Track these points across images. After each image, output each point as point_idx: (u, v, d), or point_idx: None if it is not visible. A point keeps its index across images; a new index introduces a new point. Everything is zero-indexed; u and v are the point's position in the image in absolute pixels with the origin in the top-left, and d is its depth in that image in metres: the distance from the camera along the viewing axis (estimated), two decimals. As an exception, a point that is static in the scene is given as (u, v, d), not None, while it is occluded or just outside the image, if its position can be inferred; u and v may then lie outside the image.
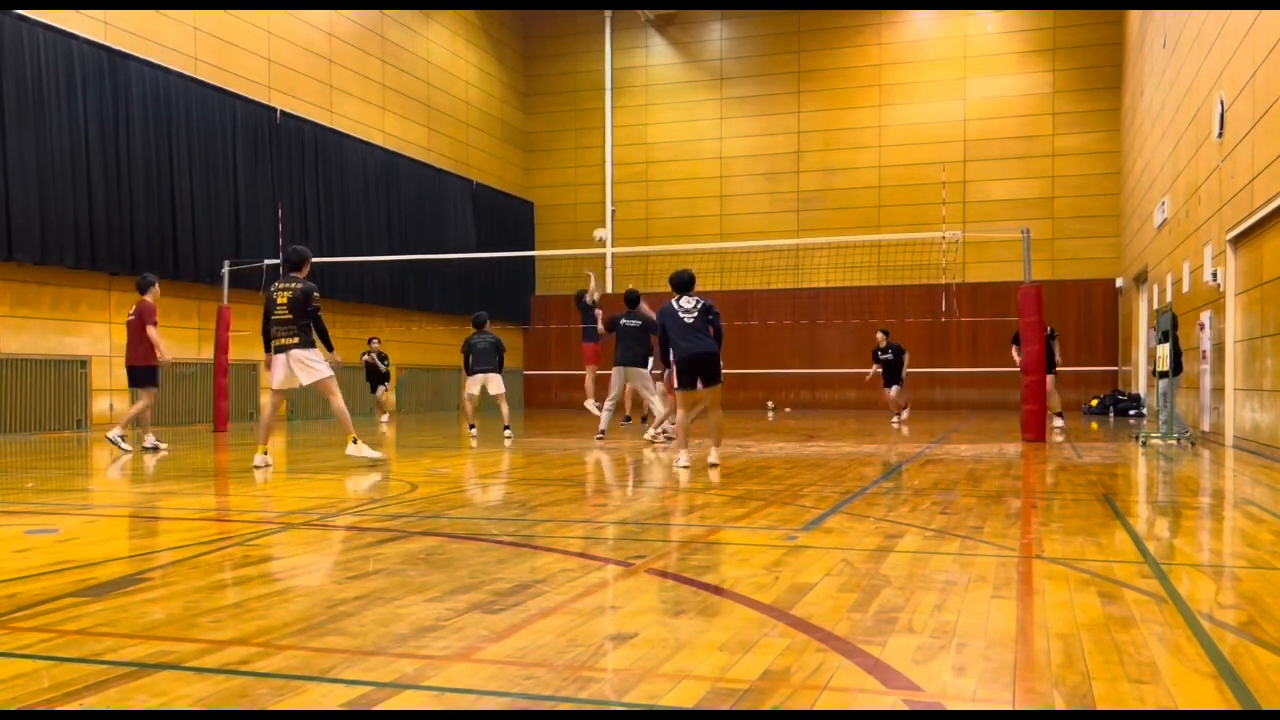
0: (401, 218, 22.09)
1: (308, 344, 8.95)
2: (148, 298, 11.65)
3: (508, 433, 13.06)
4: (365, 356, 18.76)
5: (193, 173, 16.75)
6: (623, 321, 12.78)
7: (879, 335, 18.03)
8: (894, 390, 17.71)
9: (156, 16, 16.37)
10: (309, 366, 8.95)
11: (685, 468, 8.53)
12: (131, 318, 11.58)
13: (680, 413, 9.04)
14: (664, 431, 12.39)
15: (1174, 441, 11.75)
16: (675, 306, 9.03)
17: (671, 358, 9.02)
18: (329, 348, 9.30)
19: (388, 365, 18.94)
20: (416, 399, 22.96)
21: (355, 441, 9.20)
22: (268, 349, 9.11)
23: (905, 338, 23.59)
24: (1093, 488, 7.31)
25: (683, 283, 9.22)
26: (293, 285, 8.98)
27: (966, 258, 21.84)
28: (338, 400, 9.22)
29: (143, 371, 11.55)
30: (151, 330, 11.40)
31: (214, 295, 16.93)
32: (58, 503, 6.84)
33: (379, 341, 19.08)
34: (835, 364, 24.21)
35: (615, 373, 12.57)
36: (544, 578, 3.98)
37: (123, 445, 11.15)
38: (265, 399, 9.94)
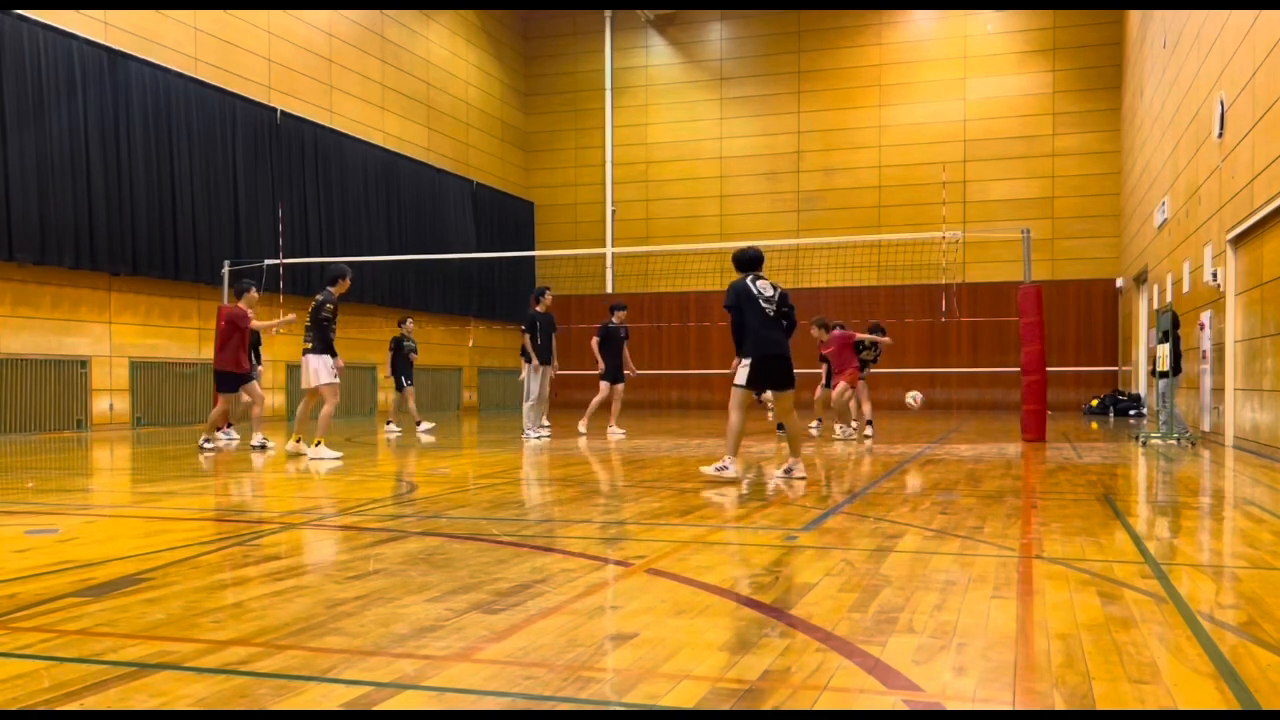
0: (401, 218, 22.09)
1: (318, 350, 10.06)
2: (241, 303, 11.51)
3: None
4: (405, 341, 15.86)
5: (193, 173, 16.75)
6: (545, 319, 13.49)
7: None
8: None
9: (156, 16, 16.37)
10: (314, 371, 10.07)
11: (738, 478, 7.64)
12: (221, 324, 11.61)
13: (736, 416, 7.67)
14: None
15: (1174, 441, 11.75)
16: (754, 289, 7.71)
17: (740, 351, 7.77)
18: (332, 354, 10.18)
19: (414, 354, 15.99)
20: (416, 399, 22.92)
21: (318, 444, 9.93)
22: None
23: (905, 337, 23.60)
24: (1093, 488, 7.31)
25: (756, 259, 7.97)
26: (317, 296, 10.24)
27: (966, 258, 21.85)
28: (329, 407, 10.11)
29: (224, 377, 11.48)
30: (254, 325, 11.48)
31: (214, 295, 16.93)
32: (58, 503, 6.83)
33: (411, 323, 16.31)
34: (835, 364, 24.17)
35: (545, 372, 13.38)
36: (544, 578, 3.98)
37: (269, 445, 11.32)
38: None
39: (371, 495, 7.11)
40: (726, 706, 2.42)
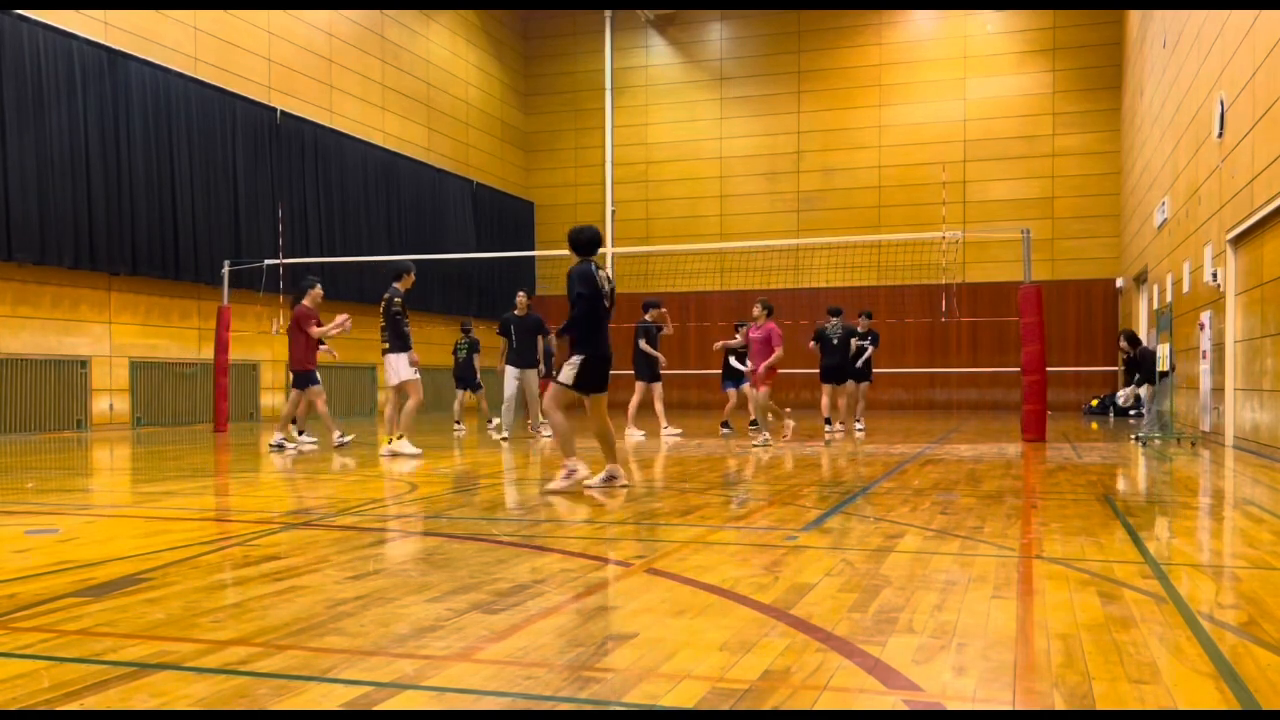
0: (401, 218, 22.08)
1: (396, 349, 10.32)
2: (305, 301, 11.54)
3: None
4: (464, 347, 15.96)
5: (193, 173, 16.75)
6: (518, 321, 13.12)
7: (861, 319, 15.21)
8: (865, 385, 14.95)
9: (156, 16, 16.37)
10: (395, 369, 10.31)
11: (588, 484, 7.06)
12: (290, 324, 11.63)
13: (559, 416, 7.10)
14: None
15: (1156, 440, 11.85)
16: (598, 278, 7.00)
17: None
18: (405, 348, 10.44)
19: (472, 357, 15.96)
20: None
21: (400, 439, 10.16)
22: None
23: (905, 337, 23.58)
24: (1093, 488, 7.31)
25: (596, 241, 7.16)
26: (385, 295, 10.51)
27: (966, 258, 21.84)
28: (412, 403, 10.35)
29: (297, 375, 11.49)
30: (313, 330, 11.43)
31: (214, 295, 16.93)
32: (58, 503, 6.83)
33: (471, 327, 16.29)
34: (835, 364, 24.15)
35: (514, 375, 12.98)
36: (544, 578, 3.98)
37: (288, 446, 11.19)
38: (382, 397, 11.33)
39: (371, 495, 7.11)
40: (726, 706, 2.42)
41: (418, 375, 10.43)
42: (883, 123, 24.90)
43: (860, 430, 14.53)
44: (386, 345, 10.50)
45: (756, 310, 12.13)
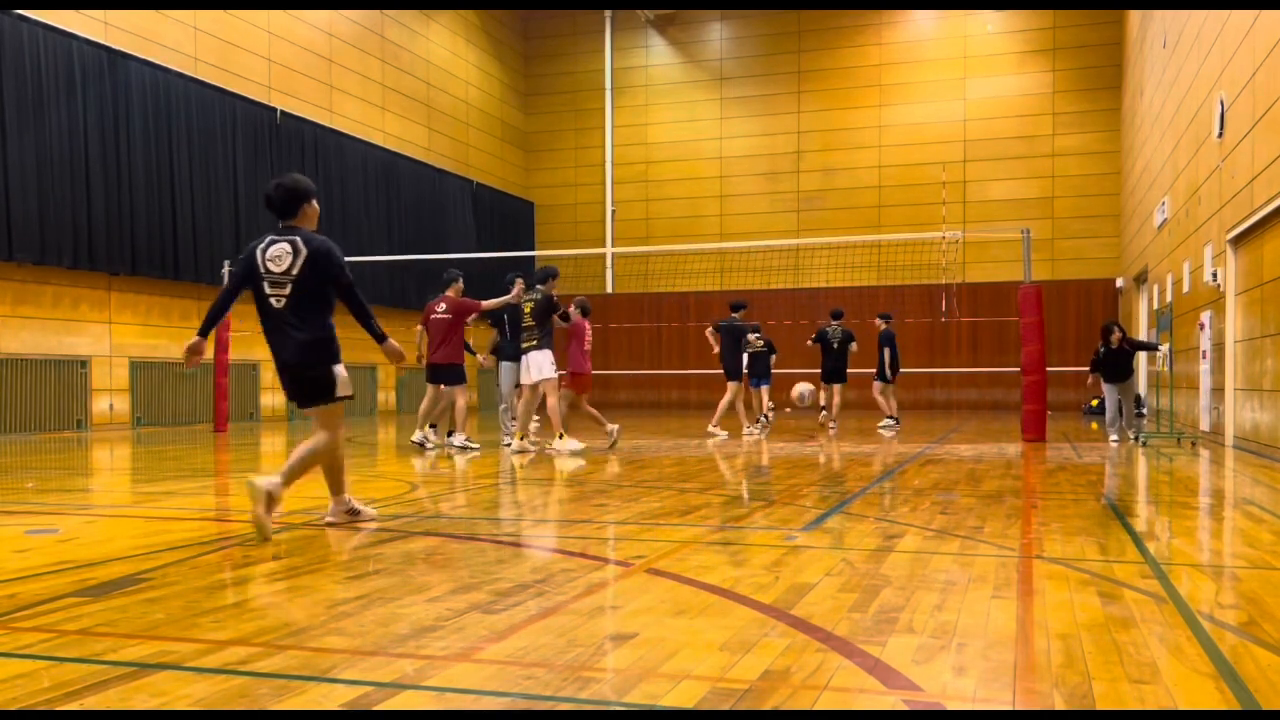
0: (401, 218, 22.08)
1: (542, 346, 10.34)
2: (450, 293, 11.33)
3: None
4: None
5: (193, 173, 16.74)
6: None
7: (878, 320, 15.90)
8: (880, 385, 15.46)
9: (156, 16, 16.37)
10: (535, 366, 10.35)
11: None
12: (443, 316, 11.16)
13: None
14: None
15: (1136, 438, 11.94)
16: (258, 259, 5.03)
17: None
18: (550, 346, 10.49)
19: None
20: (417, 399, 22.96)
21: (561, 437, 10.36)
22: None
23: (905, 337, 23.56)
24: (1093, 488, 7.31)
25: (283, 200, 5.11)
26: (533, 298, 10.50)
27: (966, 258, 21.83)
28: (554, 399, 10.45)
29: (446, 370, 11.18)
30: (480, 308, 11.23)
31: (214, 295, 16.86)
32: (58, 503, 6.83)
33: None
34: (835, 364, 24.10)
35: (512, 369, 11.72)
36: (544, 578, 3.98)
37: (426, 445, 10.98)
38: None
39: (371, 495, 7.11)
40: (726, 706, 2.42)
41: (555, 376, 10.47)
42: (883, 123, 24.90)
43: (893, 425, 15.03)
44: (535, 342, 10.38)
45: (573, 310, 11.41)
